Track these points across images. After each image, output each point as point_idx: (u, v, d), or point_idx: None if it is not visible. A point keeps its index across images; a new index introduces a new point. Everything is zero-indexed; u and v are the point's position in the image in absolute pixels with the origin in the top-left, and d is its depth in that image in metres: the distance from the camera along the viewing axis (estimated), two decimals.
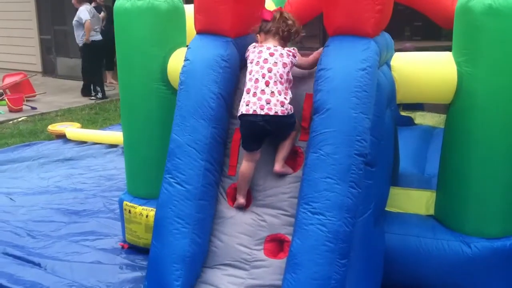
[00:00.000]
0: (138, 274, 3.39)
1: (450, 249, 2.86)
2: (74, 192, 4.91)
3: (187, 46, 3.07)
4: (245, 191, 2.79)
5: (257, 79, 2.72)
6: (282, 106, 2.68)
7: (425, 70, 2.94)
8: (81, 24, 9.34)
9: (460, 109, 2.84)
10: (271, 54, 2.75)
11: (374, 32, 2.61)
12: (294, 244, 2.42)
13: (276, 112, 2.67)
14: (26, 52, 12.76)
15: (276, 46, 2.80)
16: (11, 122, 8.16)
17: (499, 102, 2.71)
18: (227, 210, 2.81)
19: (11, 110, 8.76)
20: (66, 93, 10.48)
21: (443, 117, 4.34)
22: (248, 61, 2.82)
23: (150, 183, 3.45)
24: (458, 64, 2.82)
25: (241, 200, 2.78)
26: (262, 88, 2.70)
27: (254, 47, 2.84)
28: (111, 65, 10.53)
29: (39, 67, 12.73)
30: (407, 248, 2.93)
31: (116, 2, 3.40)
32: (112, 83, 10.70)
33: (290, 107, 2.72)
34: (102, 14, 9.98)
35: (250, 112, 2.69)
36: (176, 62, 3.25)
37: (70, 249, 3.75)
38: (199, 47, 2.93)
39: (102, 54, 9.84)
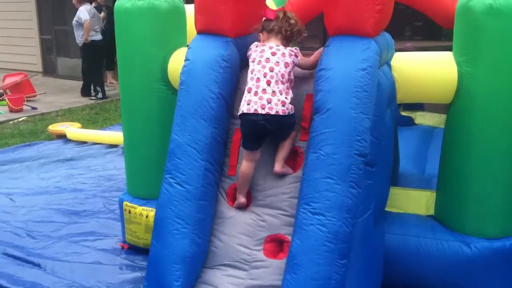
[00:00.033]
0: (138, 274, 3.39)
1: (450, 249, 2.86)
2: (74, 193, 4.91)
3: (187, 46, 3.07)
4: (245, 191, 2.79)
5: (258, 78, 2.72)
6: (283, 105, 2.68)
7: (425, 70, 2.93)
8: (80, 24, 9.35)
9: (460, 109, 2.84)
10: (273, 54, 2.75)
11: (374, 32, 2.60)
12: (294, 245, 2.42)
13: (277, 111, 2.67)
14: (27, 52, 12.76)
15: (278, 46, 2.80)
16: (11, 122, 8.16)
17: (499, 102, 2.71)
18: (227, 210, 2.81)
19: (11, 110, 8.76)
20: (66, 93, 10.49)
21: (443, 117, 4.34)
22: (250, 60, 2.81)
23: (150, 183, 3.45)
24: (458, 64, 2.81)
25: (241, 199, 2.78)
26: (264, 88, 2.70)
27: (257, 46, 2.84)
28: (112, 65, 10.53)
29: (39, 67, 12.74)
30: (407, 248, 2.93)
31: (116, 2, 3.39)
32: (112, 83, 10.71)
33: (291, 107, 2.71)
34: (102, 14, 9.99)
35: (251, 111, 2.69)
36: (176, 62, 3.24)
37: (70, 249, 3.75)
38: (200, 47, 2.93)
39: (102, 54, 9.85)
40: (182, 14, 3.44)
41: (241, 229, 2.74)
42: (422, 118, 5.90)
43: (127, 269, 3.47)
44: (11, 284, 3.27)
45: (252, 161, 2.76)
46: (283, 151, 2.76)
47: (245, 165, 2.77)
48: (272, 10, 2.92)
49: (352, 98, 2.47)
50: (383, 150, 2.72)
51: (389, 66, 2.93)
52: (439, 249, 2.88)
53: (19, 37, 12.77)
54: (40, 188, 5.07)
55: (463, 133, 2.83)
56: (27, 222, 4.24)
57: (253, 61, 2.79)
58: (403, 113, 5.85)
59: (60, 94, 10.40)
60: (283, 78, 2.71)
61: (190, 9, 3.31)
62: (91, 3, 9.81)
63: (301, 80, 2.85)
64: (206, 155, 2.74)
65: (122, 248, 3.76)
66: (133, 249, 3.69)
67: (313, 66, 2.81)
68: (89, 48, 9.54)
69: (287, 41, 2.86)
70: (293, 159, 2.81)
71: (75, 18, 9.46)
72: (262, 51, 2.78)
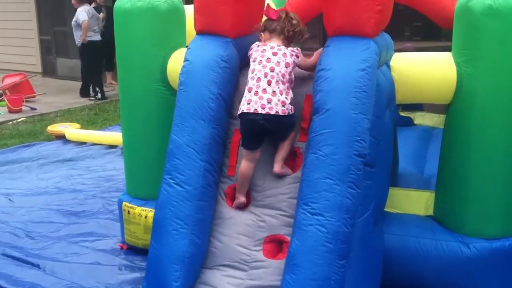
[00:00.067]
0: (137, 275, 3.38)
1: (449, 249, 2.86)
2: (73, 193, 4.91)
3: (187, 46, 3.07)
4: (245, 190, 2.79)
5: (259, 78, 2.72)
6: (283, 106, 2.68)
7: (424, 71, 2.94)
8: (79, 25, 9.35)
9: (459, 109, 2.84)
10: (274, 54, 2.75)
11: (373, 32, 2.60)
12: (293, 245, 2.41)
13: (277, 111, 2.67)
14: (26, 52, 12.76)
15: (279, 46, 2.80)
16: (10, 122, 8.15)
17: (498, 102, 2.71)
18: (226, 210, 2.81)
19: (10, 111, 8.75)
20: (66, 93, 10.48)
21: (442, 117, 4.34)
22: (251, 60, 2.81)
23: (150, 183, 3.45)
24: (457, 64, 2.81)
25: (241, 198, 2.78)
26: (264, 87, 2.70)
27: (258, 46, 2.84)
28: (111, 66, 10.53)
29: (39, 68, 12.74)
30: (406, 249, 2.93)
31: (116, 2, 3.39)
32: (111, 83, 10.70)
33: (291, 107, 2.71)
34: (102, 14, 9.99)
35: (251, 111, 2.69)
36: (175, 62, 3.24)
37: (69, 250, 3.75)
38: (199, 48, 2.93)
39: (101, 55, 9.84)
40: (181, 15, 3.44)
41: (240, 230, 2.74)
42: (421, 119, 5.91)
43: (126, 270, 3.47)
44: (10, 284, 3.26)
45: (251, 160, 2.76)
46: (282, 152, 2.76)
47: (244, 165, 2.76)
48: (275, 10, 2.92)
49: (351, 99, 2.47)
50: (383, 151, 2.72)
51: (388, 66, 2.93)
52: (438, 249, 2.88)
53: (19, 37, 12.77)
54: (39, 189, 5.07)
55: (463, 133, 2.83)
56: (26, 223, 4.24)
57: (254, 61, 2.79)
58: (402, 114, 5.86)
59: (60, 94, 10.40)
60: (283, 78, 2.71)
61: (189, 9, 3.30)
62: (90, 4, 9.81)
63: (301, 80, 2.85)
64: (205, 156, 2.74)
65: (121, 248, 3.76)
66: (132, 250, 3.68)
67: (313, 66, 2.81)
68: (87, 48, 9.53)
69: (288, 41, 2.87)
70: (292, 160, 2.81)
71: (73, 19, 9.46)
72: (264, 50, 2.78)
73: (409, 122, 5.74)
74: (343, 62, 2.56)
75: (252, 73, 2.77)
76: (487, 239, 2.83)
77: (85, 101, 9.68)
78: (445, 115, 3.03)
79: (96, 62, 9.82)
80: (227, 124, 2.89)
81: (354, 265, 2.43)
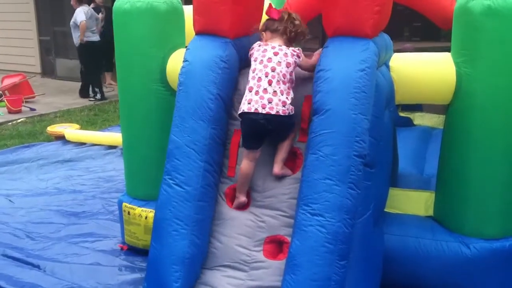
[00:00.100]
0: (137, 275, 3.38)
1: (449, 250, 2.86)
2: (73, 194, 4.91)
3: (186, 47, 3.07)
4: (245, 190, 2.79)
5: (260, 77, 2.72)
6: (284, 106, 2.69)
7: (424, 71, 2.94)
8: (77, 26, 9.36)
9: (459, 110, 2.84)
10: (276, 54, 2.75)
11: (373, 33, 2.60)
12: (293, 245, 2.42)
13: (277, 111, 2.67)
14: (25, 53, 12.76)
15: (281, 46, 2.80)
16: (10, 123, 8.15)
17: (498, 102, 2.71)
18: (226, 211, 2.81)
19: (10, 112, 8.75)
20: (65, 94, 10.48)
21: (442, 117, 4.35)
22: (252, 59, 2.82)
23: (149, 184, 3.45)
24: (457, 64, 2.82)
25: (242, 198, 2.78)
26: (265, 87, 2.70)
27: (259, 46, 2.84)
28: (110, 66, 10.53)
29: (38, 68, 12.74)
30: (406, 249, 2.93)
31: (115, 3, 3.39)
32: (111, 84, 10.71)
33: (292, 107, 2.72)
34: (101, 15, 9.98)
35: (252, 111, 2.69)
36: (175, 63, 3.24)
37: (69, 250, 3.75)
38: (198, 48, 2.93)
39: (100, 55, 9.84)
40: (180, 15, 3.44)
41: (240, 230, 2.74)
42: (421, 119, 5.91)
43: (126, 270, 3.47)
44: (10, 285, 3.26)
45: (252, 160, 2.77)
46: (282, 153, 2.76)
47: (245, 164, 2.77)
48: (277, 10, 2.92)
49: (351, 99, 2.47)
50: (382, 151, 2.72)
51: (388, 67, 2.94)
52: (438, 249, 2.88)
53: (18, 38, 12.77)
54: (39, 189, 5.07)
55: (462, 134, 2.83)
56: (26, 223, 4.24)
57: (255, 60, 2.79)
58: (402, 114, 5.86)
59: (59, 95, 10.39)
60: (284, 78, 2.72)
61: (188, 10, 3.31)
62: (89, 4, 9.81)
63: (300, 81, 2.85)
64: (205, 156, 2.74)
65: (122, 249, 3.76)
66: (133, 250, 3.68)
67: (314, 67, 2.81)
68: (86, 49, 9.53)
69: (290, 42, 2.87)
70: (292, 161, 2.81)
71: (72, 19, 9.47)
72: (265, 50, 2.79)
73: (408, 123, 5.74)
74: (342, 62, 2.56)
75: (253, 72, 2.77)
76: (487, 239, 2.83)
77: (84, 102, 9.68)
78: (444, 116, 3.03)
79: (95, 63, 9.82)
80: (226, 125, 2.89)
81: (354, 265, 2.43)
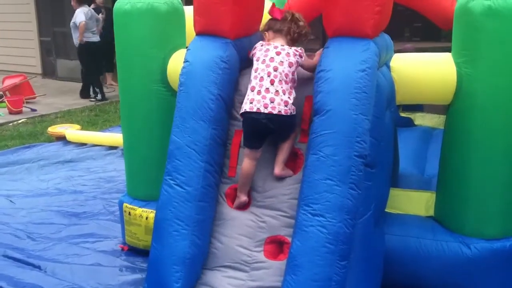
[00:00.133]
0: (138, 276, 3.39)
1: (450, 250, 2.86)
2: (74, 194, 4.91)
3: (186, 47, 3.07)
4: (246, 190, 2.79)
5: (262, 77, 2.72)
6: (286, 105, 2.69)
7: (424, 71, 2.94)
8: (77, 26, 9.36)
9: (459, 110, 2.84)
10: (278, 53, 2.75)
11: (373, 33, 2.60)
12: (294, 246, 2.42)
13: (279, 111, 2.67)
14: (26, 54, 12.76)
15: (283, 45, 2.80)
16: (11, 124, 8.16)
17: (498, 102, 2.71)
18: (227, 211, 2.81)
19: (11, 112, 8.76)
20: (66, 95, 10.49)
21: (442, 118, 4.35)
22: (254, 59, 2.82)
23: (150, 184, 3.45)
24: (457, 65, 2.82)
25: (242, 198, 2.77)
26: (267, 87, 2.70)
27: (262, 45, 2.84)
28: (111, 67, 10.53)
29: (39, 69, 12.75)
30: (407, 249, 2.93)
31: (116, 3, 3.40)
32: (112, 84, 10.71)
33: (293, 107, 2.72)
34: (101, 15, 9.98)
35: (254, 110, 2.69)
36: (175, 63, 3.25)
37: (70, 251, 3.75)
38: (199, 49, 2.93)
39: (100, 56, 9.84)
40: (181, 16, 3.44)
41: (241, 231, 2.74)
42: (422, 119, 5.90)
43: (127, 271, 3.47)
44: (11, 286, 3.27)
45: (253, 159, 2.77)
46: (283, 154, 2.76)
47: (246, 164, 2.77)
48: (280, 9, 2.92)
49: (351, 99, 2.47)
50: (383, 151, 2.72)
51: (388, 67, 2.94)
52: (439, 250, 2.88)
53: (19, 39, 12.78)
54: (40, 190, 5.07)
55: (463, 134, 2.83)
56: (27, 224, 4.24)
57: (257, 60, 2.79)
58: (403, 114, 5.86)
59: (60, 96, 10.40)
60: (286, 77, 2.72)
61: (189, 10, 3.31)
62: (89, 5, 9.82)
63: (301, 81, 2.85)
64: (205, 157, 2.74)
65: (122, 249, 3.76)
66: (133, 251, 3.68)
67: (316, 67, 2.81)
68: (86, 49, 9.54)
69: (293, 42, 2.87)
70: (293, 161, 2.81)
71: (72, 20, 9.48)
72: (267, 50, 2.79)
73: (409, 123, 5.74)
74: (343, 63, 2.56)
75: (255, 72, 2.77)
76: (488, 239, 2.83)
77: (85, 102, 9.68)
78: (445, 116, 3.03)
79: (95, 63, 9.82)
80: (227, 125, 2.89)
81: (355, 265, 2.43)
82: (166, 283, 2.60)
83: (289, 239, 2.57)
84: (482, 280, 2.84)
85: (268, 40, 2.89)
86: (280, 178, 2.77)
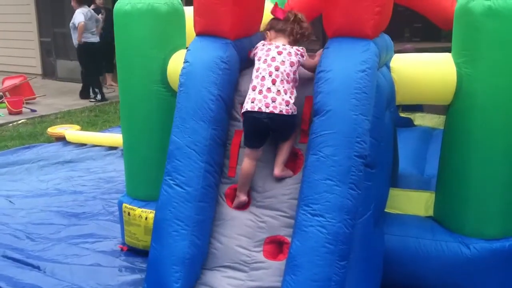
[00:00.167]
0: (137, 276, 3.38)
1: (449, 250, 2.86)
2: (74, 195, 4.91)
3: (186, 48, 3.08)
4: (246, 189, 2.79)
5: (263, 76, 2.72)
6: (287, 105, 2.69)
7: (424, 71, 2.94)
8: (76, 27, 9.36)
9: (459, 110, 2.84)
10: (279, 53, 2.75)
11: (373, 33, 2.60)
12: (293, 246, 2.41)
13: (281, 111, 2.67)
14: (26, 54, 12.76)
15: (285, 45, 2.80)
16: (10, 124, 8.15)
17: (498, 102, 2.71)
18: (226, 211, 2.81)
19: (10, 113, 8.76)
20: (66, 95, 10.48)
21: (442, 118, 4.35)
22: (256, 58, 2.82)
23: (150, 185, 3.45)
24: (457, 65, 2.82)
25: (242, 197, 2.77)
26: (268, 86, 2.70)
27: (263, 45, 2.84)
28: (111, 67, 10.53)
29: (39, 70, 12.74)
30: (406, 249, 2.93)
31: (116, 4, 3.40)
32: (112, 85, 10.71)
33: (295, 107, 2.72)
34: (100, 16, 9.98)
35: (255, 109, 2.69)
36: (175, 64, 3.25)
37: (70, 251, 3.75)
38: (199, 49, 2.93)
39: (99, 56, 9.85)
40: (181, 16, 3.44)
41: (240, 231, 2.74)
42: (421, 119, 5.91)
43: (126, 271, 3.47)
44: (11, 286, 3.26)
45: (253, 159, 2.76)
46: (283, 155, 2.76)
47: (246, 163, 2.76)
48: (282, 9, 2.92)
49: (351, 100, 2.47)
50: (383, 152, 2.72)
51: (388, 67, 2.94)
52: (438, 250, 2.88)
53: (19, 39, 12.78)
54: (39, 190, 5.07)
55: (463, 134, 2.83)
56: (27, 225, 4.24)
57: (258, 60, 2.79)
58: (402, 115, 5.86)
59: (60, 96, 10.40)
60: (288, 77, 2.72)
61: (189, 11, 3.31)
62: (89, 6, 9.82)
63: (301, 82, 2.85)
64: (205, 157, 2.74)
65: (122, 250, 3.76)
66: (133, 251, 3.68)
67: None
68: (85, 50, 9.54)
69: (295, 42, 2.87)
70: (293, 161, 2.81)
71: (71, 21, 9.48)
72: (269, 50, 2.79)
73: (409, 123, 5.74)
74: (343, 63, 2.56)
75: (256, 71, 2.77)
76: (487, 239, 2.83)
77: (85, 103, 9.68)
78: (445, 116, 3.03)
79: (94, 64, 9.82)
80: (227, 125, 2.89)
81: (354, 266, 2.43)
82: (166, 283, 2.60)
83: (289, 239, 2.57)
84: (481, 280, 2.83)
85: (270, 40, 2.89)
86: (280, 179, 2.77)
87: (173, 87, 3.31)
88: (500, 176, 2.79)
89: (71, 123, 7.84)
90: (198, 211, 2.69)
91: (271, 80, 2.70)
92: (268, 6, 3.14)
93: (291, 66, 2.73)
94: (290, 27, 2.85)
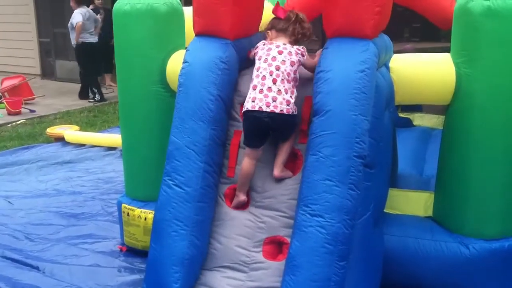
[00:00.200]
0: (136, 277, 3.38)
1: (448, 250, 2.86)
2: (73, 195, 4.90)
3: (186, 48, 3.07)
4: (245, 189, 2.79)
5: (264, 76, 2.72)
6: (288, 105, 2.69)
7: (423, 72, 2.94)
8: (74, 27, 9.35)
9: (458, 110, 2.84)
10: (280, 52, 2.75)
11: (373, 33, 2.60)
12: (293, 246, 2.41)
13: (281, 110, 2.67)
14: (25, 55, 12.75)
15: (285, 44, 2.80)
16: (9, 125, 8.15)
17: (498, 102, 2.71)
18: (226, 212, 2.81)
19: (9, 113, 8.75)
20: (65, 95, 10.48)
21: (441, 118, 4.34)
22: (256, 58, 2.82)
23: (149, 185, 3.45)
24: (456, 65, 2.82)
25: (241, 197, 2.77)
26: (269, 86, 2.70)
27: (264, 44, 2.84)
28: (110, 68, 10.52)
29: (38, 70, 12.73)
30: (405, 250, 2.93)
31: (115, 4, 3.40)
32: (111, 85, 10.69)
33: (295, 107, 2.72)
34: (99, 16, 9.97)
35: (256, 109, 2.69)
36: (175, 64, 3.24)
37: (69, 252, 3.74)
38: (198, 49, 2.93)
39: (98, 56, 9.83)
40: (180, 16, 3.44)
41: (240, 231, 2.74)
42: (420, 120, 5.91)
43: (125, 272, 3.47)
44: (10, 286, 3.26)
45: (253, 159, 2.76)
46: (282, 155, 2.76)
47: (246, 163, 2.76)
48: (283, 8, 2.92)
49: (350, 100, 2.47)
50: (382, 152, 2.72)
51: (388, 67, 2.94)
52: (437, 250, 2.88)
53: (18, 40, 12.77)
54: (38, 191, 5.06)
55: (462, 134, 2.83)
56: (26, 225, 4.23)
57: (259, 59, 2.79)
58: (401, 115, 5.86)
59: (59, 96, 10.39)
60: (288, 76, 2.72)
61: (188, 11, 3.31)
62: (88, 6, 9.81)
63: (300, 82, 2.85)
64: (205, 157, 2.74)
65: (121, 250, 3.75)
66: (132, 252, 3.68)
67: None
68: (83, 50, 9.53)
69: (296, 42, 2.87)
70: (292, 162, 2.81)
71: (70, 21, 9.48)
72: (269, 49, 2.79)
73: (408, 123, 5.75)
74: (342, 63, 2.56)
75: (257, 71, 2.77)
76: (487, 239, 2.83)
77: (84, 103, 9.67)
78: (444, 116, 3.03)
79: (92, 64, 9.80)
80: (226, 126, 2.89)
81: (354, 266, 2.43)
82: (165, 284, 2.60)
83: (288, 240, 2.57)
84: (481, 280, 2.83)
85: (271, 39, 2.89)
86: (280, 179, 2.77)
87: (172, 87, 3.31)
88: (500, 176, 2.79)
89: (70, 123, 7.83)
90: (197, 212, 2.68)
91: (271, 80, 2.70)
92: (268, 6, 3.14)
93: (292, 66, 2.73)
94: (291, 27, 2.85)
